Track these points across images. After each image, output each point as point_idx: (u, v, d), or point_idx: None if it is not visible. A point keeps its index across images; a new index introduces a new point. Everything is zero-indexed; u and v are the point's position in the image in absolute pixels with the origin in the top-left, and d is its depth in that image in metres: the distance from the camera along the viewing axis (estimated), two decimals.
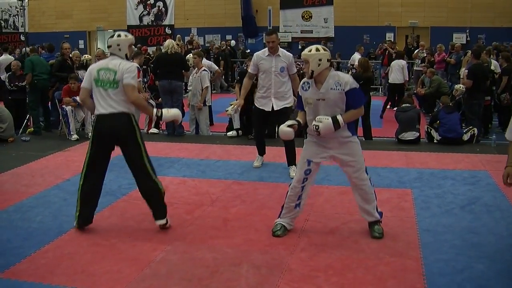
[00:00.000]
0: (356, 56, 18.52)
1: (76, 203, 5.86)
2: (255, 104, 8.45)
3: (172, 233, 5.87)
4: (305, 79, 5.60)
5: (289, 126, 5.63)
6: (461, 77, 13.01)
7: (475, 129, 10.58)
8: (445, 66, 18.34)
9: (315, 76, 5.40)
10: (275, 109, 8.15)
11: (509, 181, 4.27)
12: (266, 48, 8.24)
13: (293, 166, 7.95)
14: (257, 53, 8.49)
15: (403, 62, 16.34)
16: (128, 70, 5.60)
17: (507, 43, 23.01)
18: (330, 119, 5.33)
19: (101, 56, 12.71)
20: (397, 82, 16.09)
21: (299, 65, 22.40)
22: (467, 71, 11.32)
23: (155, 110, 6.05)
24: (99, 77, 5.64)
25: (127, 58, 5.79)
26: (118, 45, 5.74)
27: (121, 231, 5.91)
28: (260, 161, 8.81)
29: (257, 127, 8.82)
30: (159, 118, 6.08)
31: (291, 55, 8.40)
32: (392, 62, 16.68)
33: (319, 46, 5.46)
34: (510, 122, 3.66)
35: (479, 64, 11.38)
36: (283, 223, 5.82)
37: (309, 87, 5.51)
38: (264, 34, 8.95)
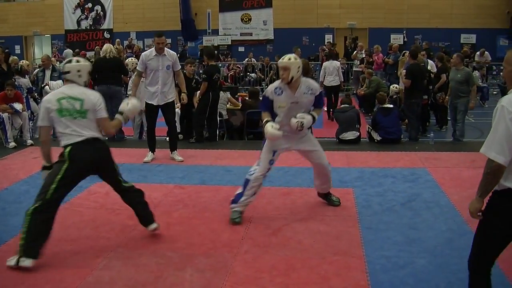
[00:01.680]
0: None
1: (23, 230, 5.06)
2: (146, 100, 9.13)
3: (114, 239, 5.77)
4: (276, 85, 6.12)
5: (273, 126, 5.96)
6: (400, 77, 13.21)
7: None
8: (383, 67, 18.63)
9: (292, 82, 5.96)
10: (161, 104, 9.03)
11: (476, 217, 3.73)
12: (153, 48, 9.00)
13: (176, 151, 9.38)
14: (144, 52, 9.36)
15: (337, 63, 15.92)
16: (98, 102, 5.35)
17: (442, 43, 23.61)
18: (310, 116, 6.11)
19: (46, 61, 12.43)
20: (333, 84, 15.41)
21: (239, 67, 22.45)
22: (405, 71, 11.50)
23: (118, 116, 5.73)
24: (61, 107, 5.19)
25: (85, 85, 5.47)
26: (79, 71, 5.35)
27: (62, 239, 5.76)
28: (150, 157, 9.32)
29: (150, 122, 9.44)
30: (122, 114, 5.73)
31: (175, 53, 9.39)
32: (325, 63, 15.91)
33: (293, 56, 6.05)
34: (488, 136, 3.51)
35: (416, 64, 11.59)
36: (240, 210, 6.22)
37: (282, 92, 6.03)
38: (154, 37, 9.23)
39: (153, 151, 9.38)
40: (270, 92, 6.08)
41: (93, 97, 5.36)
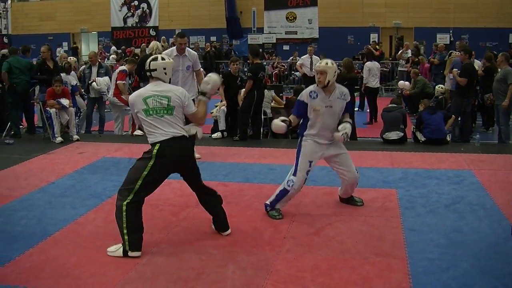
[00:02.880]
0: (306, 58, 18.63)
1: (122, 225, 5.25)
2: None
3: (157, 235, 5.84)
4: (311, 89, 6.23)
5: (282, 121, 6.20)
6: (450, 77, 13.02)
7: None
8: (429, 67, 18.39)
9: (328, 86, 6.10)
10: None
11: None
12: (174, 48, 9.09)
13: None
14: (165, 51, 9.25)
15: (378, 64, 15.66)
16: (186, 98, 5.48)
17: (490, 43, 23.18)
18: (348, 124, 6.31)
19: (93, 58, 12.66)
20: (377, 86, 15.24)
21: (284, 65, 22.44)
22: (457, 70, 11.32)
23: (202, 98, 5.79)
24: (148, 107, 5.33)
25: (169, 82, 5.62)
26: (165, 68, 5.48)
27: (107, 233, 5.86)
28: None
29: None
30: (205, 95, 5.79)
31: (196, 53, 9.48)
32: (369, 64, 15.30)
33: (330, 60, 6.21)
34: None
35: (471, 63, 11.42)
36: (280, 208, 6.41)
37: (317, 95, 6.15)
38: (175, 36, 9.29)
39: None
40: (305, 96, 6.20)
41: (180, 93, 5.49)
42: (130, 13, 28.71)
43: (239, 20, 27.86)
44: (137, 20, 28.72)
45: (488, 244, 5.49)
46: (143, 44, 22.23)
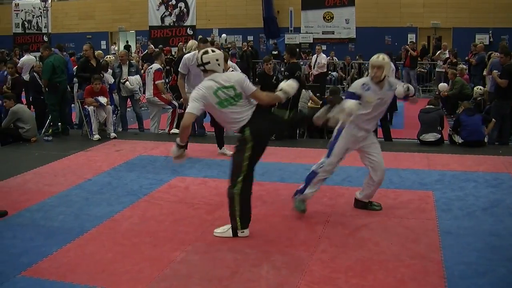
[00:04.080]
0: (322, 57, 18.69)
1: (235, 209, 5.63)
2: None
3: (192, 233, 5.89)
4: (363, 81, 6.30)
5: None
6: (488, 77, 12.84)
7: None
8: (467, 67, 18.18)
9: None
10: None
11: None
12: (196, 52, 8.68)
13: (224, 147, 9.58)
14: (187, 55, 9.18)
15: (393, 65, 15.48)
16: (243, 79, 5.64)
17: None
18: None
19: (123, 57, 12.78)
20: None
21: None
22: (498, 72, 11.16)
23: (279, 93, 5.93)
24: (221, 99, 5.50)
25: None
26: (217, 60, 5.58)
27: (142, 231, 5.94)
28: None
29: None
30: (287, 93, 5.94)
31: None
32: None
33: (385, 55, 6.24)
34: None
35: (511, 64, 11.26)
36: (305, 199, 6.43)
37: (369, 88, 6.15)
38: (198, 41, 9.30)
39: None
40: (358, 88, 6.18)
41: (237, 77, 5.69)
42: (168, 12, 28.87)
43: (276, 20, 27.85)
44: (174, 19, 28.86)
45: None
46: (180, 43, 22.42)
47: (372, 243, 5.58)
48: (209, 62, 5.55)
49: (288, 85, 5.90)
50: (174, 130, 11.54)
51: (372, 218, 6.27)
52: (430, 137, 10.27)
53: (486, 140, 10.35)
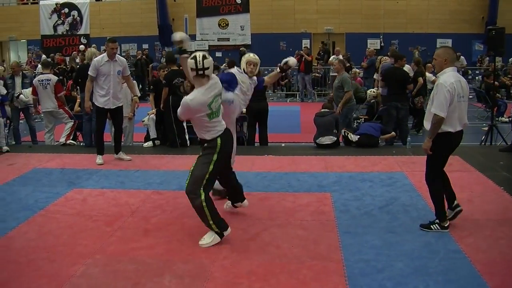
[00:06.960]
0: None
1: (207, 219, 5.63)
2: (96, 104, 9.29)
3: (92, 246, 5.72)
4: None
5: None
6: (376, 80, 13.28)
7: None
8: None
9: None
10: (112, 107, 9.27)
11: None
12: (105, 54, 9.22)
13: (121, 152, 9.70)
14: (96, 58, 9.34)
15: None
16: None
17: (420, 48, 23.79)
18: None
19: (16, 68, 12.29)
20: None
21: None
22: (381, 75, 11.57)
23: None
24: (212, 111, 5.55)
25: None
26: (212, 65, 5.56)
27: (39, 246, 5.71)
28: (101, 159, 9.47)
29: (99, 125, 9.48)
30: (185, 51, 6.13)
31: (125, 59, 9.80)
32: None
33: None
34: (434, 103, 5.61)
35: (393, 67, 11.66)
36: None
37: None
38: (107, 41, 9.28)
39: (101, 154, 9.46)
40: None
41: (219, 82, 5.78)
42: (61, 21, 28.19)
43: (172, 27, 27.70)
44: (67, 28, 28.22)
45: (421, 243, 5.60)
46: (74, 52, 21.90)
47: (274, 246, 5.61)
48: (209, 67, 5.51)
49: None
50: (70, 141, 11.27)
51: (272, 222, 6.30)
52: (326, 140, 10.45)
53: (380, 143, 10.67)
